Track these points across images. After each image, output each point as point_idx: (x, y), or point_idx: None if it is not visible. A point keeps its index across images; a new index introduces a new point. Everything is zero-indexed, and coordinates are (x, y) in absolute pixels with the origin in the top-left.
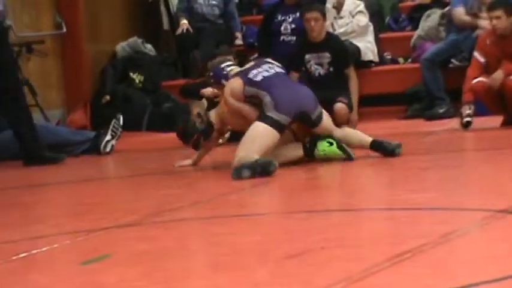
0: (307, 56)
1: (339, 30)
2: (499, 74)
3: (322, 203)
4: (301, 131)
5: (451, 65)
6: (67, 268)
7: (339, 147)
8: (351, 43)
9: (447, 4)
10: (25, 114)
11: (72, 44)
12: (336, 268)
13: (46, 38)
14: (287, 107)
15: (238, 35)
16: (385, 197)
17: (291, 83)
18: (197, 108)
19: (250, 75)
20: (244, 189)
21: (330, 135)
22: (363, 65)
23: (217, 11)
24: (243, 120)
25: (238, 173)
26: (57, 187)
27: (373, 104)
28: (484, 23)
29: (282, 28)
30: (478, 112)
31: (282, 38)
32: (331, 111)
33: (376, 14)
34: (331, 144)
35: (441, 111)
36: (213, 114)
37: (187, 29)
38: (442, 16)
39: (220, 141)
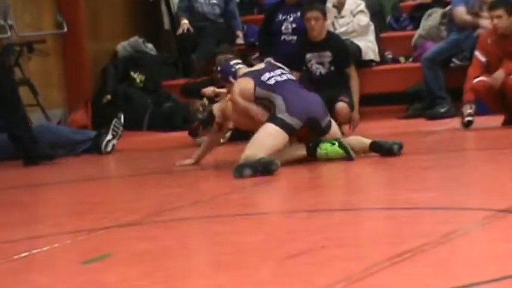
0: (308, 56)
1: (340, 30)
2: (500, 74)
3: (323, 202)
4: (304, 133)
5: (452, 65)
6: (68, 267)
7: (341, 146)
8: (352, 42)
9: (448, 3)
10: (21, 118)
11: (73, 43)
12: (337, 268)
13: (47, 38)
14: (298, 111)
15: (239, 33)
16: (386, 197)
17: (302, 90)
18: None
19: (263, 78)
20: (245, 188)
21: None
22: (364, 65)
23: (217, 10)
24: (250, 120)
25: (239, 171)
26: (58, 186)
27: (374, 103)
28: (485, 22)
29: (283, 27)
30: (479, 111)
31: (283, 37)
32: (332, 111)
33: (377, 14)
34: (333, 144)
35: (442, 110)
36: (215, 108)
37: (187, 29)
38: (443, 15)
39: (222, 140)
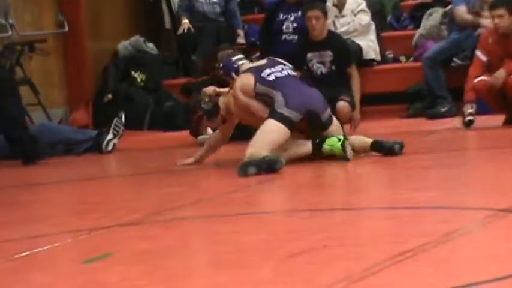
0: (309, 55)
1: (340, 29)
2: (501, 73)
3: (325, 201)
4: (305, 126)
5: (453, 64)
6: (69, 267)
7: (342, 144)
8: (353, 42)
9: (449, 3)
10: (18, 119)
11: (74, 42)
12: (338, 267)
13: (48, 37)
14: (297, 104)
15: (240, 32)
16: (388, 196)
17: (302, 85)
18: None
19: (263, 74)
20: (247, 187)
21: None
22: (365, 64)
23: (218, 9)
24: (251, 116)
25: (244, 170)
26: (58, 186)
27: (375, 102)
28: (486, 21)
29: (284, 27)
30: (480, 111)
31: (283, 36)
32: (333, 110)
33: (378, 13)
34: (339, 140)
35: (443, 110)
36: (221, 101)
37: (188, 29)
38: (444, 15)
39: (224, 141)
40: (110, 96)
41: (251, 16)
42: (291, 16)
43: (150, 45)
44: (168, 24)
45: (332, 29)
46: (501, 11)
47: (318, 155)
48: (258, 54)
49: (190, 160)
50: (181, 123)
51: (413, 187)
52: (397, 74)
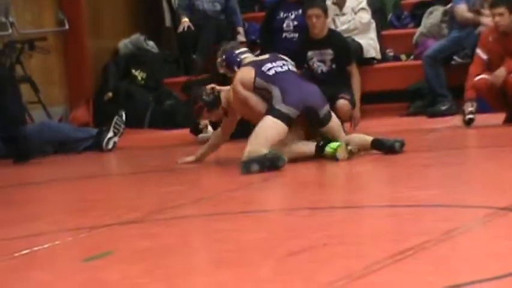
0: (309, 53)
1: (341, 27)
2: (501, 71)
3: (325, 199)
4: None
5: (453, 62)
6: (69, 265)
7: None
8: (353, 40)
9: (449, 1)
10: (20, 118)
11: (74, 40)
12: (338, 265)
13: (48, 35)
14: (295, 100)
15: (240, 29)
16: (388, 194)
17: (301, 81)
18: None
19: (264, 68)
20: (247, 185)
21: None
22: (365, 62)
23: (218, 7)
24: (249, 110)
25: (247, 167)
26: (59, 184)
27: (376, 101)
28: (487, 20)
29: (284, 25)
30: (480, 109)
31: (284, 35)
32: (333, 108)
33: (378, 11)
34: (340, 145)
35: (443, 108)
36: (222, 94)
37: (188, 27)
38: (445, 13)
39: (225, 139)
40: (110, 94)
41: (251, 14)
42: (291, 14)
43: (151, 43)
44: (168, 22)
45: (332, 27)
46: (501, 9)
47: (320, 155)
48: (258, 52)
49: (191, 158)
50: (181, 122)
51: (413, 185)
52: (397, 72)
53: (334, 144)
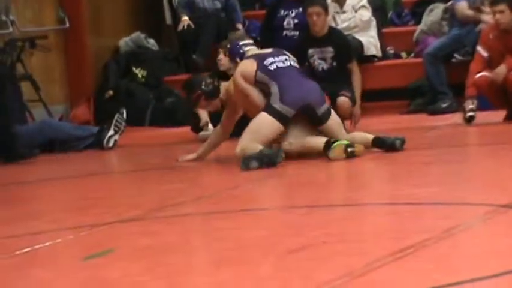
0: (310, 51)
1: (341, 25)
2: (502, 69)
3: (325, 197)
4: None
5: (454, 60)
6: (70, 263)
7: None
8: (354, 38)
9: None
10: (20, 116)
11: (75, 38)
12: (338, 263)
13: (49, 33)
14: (292, 98)
15: (240, 26)
16: (388, 192)
17: (301, 77)
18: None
19: (266, 62)
20: (247, 183)
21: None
22: (366, 60)
23: (218, 5)
24: (249, 103)
25: (246, 164)
26: (59, 182)
27: (376, 98)
28: (487, 17)
29: (285, 23)
30: (481, 107)
31: (284, 32)
32: (334, 105)
33: (378, 9)
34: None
35: (444, 105)
36: (222, 85)
37: (188, 25)
38: (445, 10)
39: (225, 137)
40: (111, 92)
41: (252, 12)
42: (292, 12)
43: (151, 41)
44: (168, 20)
45: (333, 25)
46: (502, 7)
47: (325, 154)
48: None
49: (191, 156)
50: (182, 120)
51: (414, 183)
52: (398, 70)
53: (341, 142)
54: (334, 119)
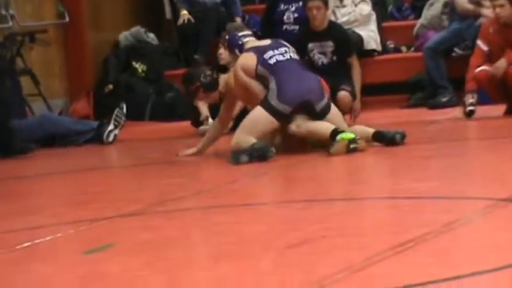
0: (310, 45)
1: (341, 19)
2: (502, 63)
3: (324, 192)
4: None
5: (454, 54)
6: (70, 257)
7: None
8: (354, 32)
9: None
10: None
11: (74, 33)
12: (338, 257)
13: (49, 27)
14: (289, 96)
15: (238, 20)
16: (388, 186)
17: (301, 71)
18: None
19: (266, 56)
20: (247, 178)
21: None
22: (366, 54)
23: None
24: (249, 96)
25: (236, 158)
26: (59, 176)
27: (376, 93)
28: (487, 11)
29: (285, 17)
30: (481, 101)
31: (284, 27)
32: (334, 99)
33: (378, 3)
34: (352, 138)
35: (444, 100)
36: (221, 79)
37: (188, 19)
38: (445, 5)
39: (224, 130)
40: (110, 86)
41: (252, 6)
42: (292, 6)
43: (151, 35)
44: (168, 14)
45: (333, 19)
46: (502, 1)
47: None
48: None
49: (191, 151)
50: (182, 114)
51: (414, 177)
52: (398, 64)
53: (346, 135)
54: (334, 112)
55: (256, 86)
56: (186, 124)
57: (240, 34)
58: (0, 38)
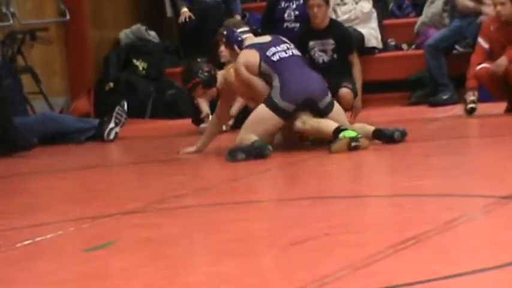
0: (311, 43)
1: (342, 17)
2: (503, 60)
3: (327, 189)
4: None
5: (454, 52)
6: (71, 255)
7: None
8: (355, 30)
9: None
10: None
11: (75, 31)
12: (340, 255)
13: (49, 26)
14: (292, 93)
15: (238, 17)
16: (390, 184)
17: (303, 69)
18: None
19: (268, 53)
20: (249, 175)
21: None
22: (367, 52)
23: None
24: (252, 93)
25: (233, 155)
26: (61, 174)
27: (377, 90)
28: (488, 9)
29: (286, 15)
30: (482, 98)
31: (285, 24)
32: (336, 97)
33: (379, 1)
34: (354, 136)
35: (445, 97)
36: (220, 75)
37: (189, 17)
38: (446, 2)
39: (224, 128)
40: (111, 84)
41: (253, 4)
42: (292, 4)
43: (152, 33)
44: (169, 12)
45: (333, 16)
46: None
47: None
48: None
49: (192, 149)
50: (183, 112)
51: (415, 175)
52: (398, 61)
53: (349, 133)
54: (337, 110)
55: (259, 83)
56: (187, 122)
57: (238, 30)
58: (0, 36)
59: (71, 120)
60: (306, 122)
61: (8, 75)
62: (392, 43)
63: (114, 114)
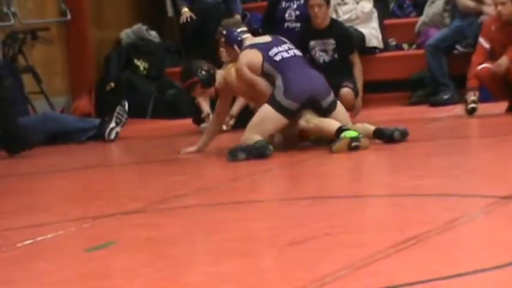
0: (311, 43)
1: (343, 17)
2: (503, 60)
3: (328, 189)
4: None
5: (455, 51)
6: (72, 255)
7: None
8: (356, 29)
9: None
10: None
11: (76, 31)
12: (341, 254)
13: (51, 25)
14: (296, 93)
15: (238, 17)
16: (390, 184)
17: (306, 68)
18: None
19: (271, 53)
20: (250, 175)
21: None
22: (368, 52)
23: None
24: (255, 93)
25: (234, 155)
26: (61, 174)
27: (378, 90)
28: (489, 9)
29: (287, 15)
30: (483, 98)
31: (286, 24)
32: (337, 96)
33: (380, 0)
34: (355, 136)
35: (446, 97)
36: (218, 75)
37: (190, 17)
38: (447, 2)
39: (225, 127)
40: (112, 84)
41: (253, 4)
42: (293, 4)
43: (153, 33)
44: (170, 12)
45: (334, 16)
46: None
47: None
48: None
49: (193, 148)
50: (184, 111)
51: (415, 174)
52: (399, 61)
53: (350, 133)
54: (340, 109)
55: (262, 83)
56: (188, 122)
57: (238, 30)
58: (1, 36)
59: (72, 120)
60: (310, 120)
61: (9, 75)
62: (393, 43)
63: (115, 114)
